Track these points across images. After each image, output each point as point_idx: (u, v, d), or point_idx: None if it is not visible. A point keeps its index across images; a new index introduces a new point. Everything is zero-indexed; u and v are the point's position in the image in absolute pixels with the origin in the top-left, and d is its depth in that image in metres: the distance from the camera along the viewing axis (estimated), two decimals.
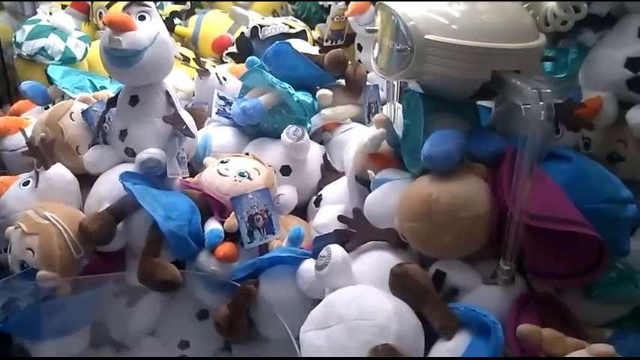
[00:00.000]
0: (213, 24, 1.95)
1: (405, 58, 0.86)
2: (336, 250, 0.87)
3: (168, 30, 1.90)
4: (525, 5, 0.97)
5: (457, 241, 0.83)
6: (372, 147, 1.00)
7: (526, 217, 0.77)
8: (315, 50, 1.57)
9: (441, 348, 0.78)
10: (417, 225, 0.84)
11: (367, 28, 1.10)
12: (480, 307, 0.79)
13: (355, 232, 0.94)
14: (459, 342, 0.77)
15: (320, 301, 0.85)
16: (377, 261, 0.90)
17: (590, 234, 0.77)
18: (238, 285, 0.98)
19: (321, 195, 1.19)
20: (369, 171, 1.02)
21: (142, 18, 1.09)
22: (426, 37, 0.83)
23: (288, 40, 1.40)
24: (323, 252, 0.88)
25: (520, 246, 0.79)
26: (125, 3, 1.11)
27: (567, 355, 0.69)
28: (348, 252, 0.89)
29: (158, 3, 2.12)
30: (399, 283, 0.82)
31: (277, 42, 1.31)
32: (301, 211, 1.22)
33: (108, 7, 1.82)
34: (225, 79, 1.44)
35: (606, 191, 0.84)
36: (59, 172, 1.10)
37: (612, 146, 1.01)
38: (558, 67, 1.08)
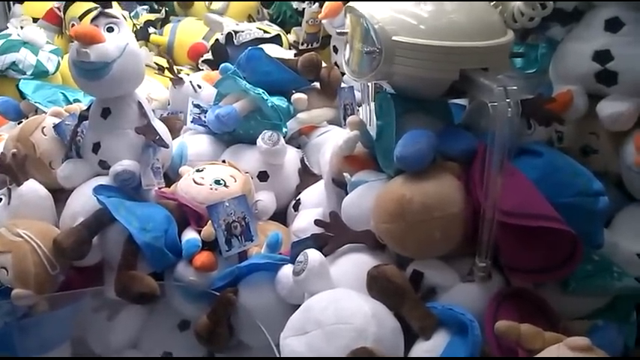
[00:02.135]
0: (189, 31, 1.94)
1: (374, 60, 0.86)
2: (313, 255, 0.86)
3: (144, 39, 1.91)
4: (492, 4, 0.98)
5: (432, 240, 0.83)
6: (347, 149, 1.00)
7: (499, 214, 0.78)
8: (290, 54, 1.57)
9: (419, 348, 0.78)
10: (391, 226, 0.84)
11: (337, 30, 1.10)
12: (457, 305, 0.79)
13: (332, 235, 0.94)
14: (438, 341, 0.77)
15: (300, 306, 0.84)
16: (355, 263, 0.90)
17: (562, 228, 0.77)
18: (218, 294, 0.97)
19: (299, 199, 1.19)
20: (344, 173, 1.02)
21: (110, 30, 1.08)
22: (394, 38, 0.83)
23: (260, 46, 1.39)
24: (300, 257, 0.87)
25: (495, 242, 0.80)
26: (93, 15, 1.10)
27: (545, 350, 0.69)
28: (325, 256, 0.89)
29: (133, 12, 2.12)
30: (377, 285, 0.82)
31: (250, 47, 1.31)
32: (281, 217, 1.21)
33: (81, 18, 1.81)
34: (199, 86, 1.43)
35: (578, 185, 0.85)
36: (32, 187, 1.08)
37: (585, 139, 1.02)
38: (529, 63, 1.09)
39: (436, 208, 0.82)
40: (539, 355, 0.68)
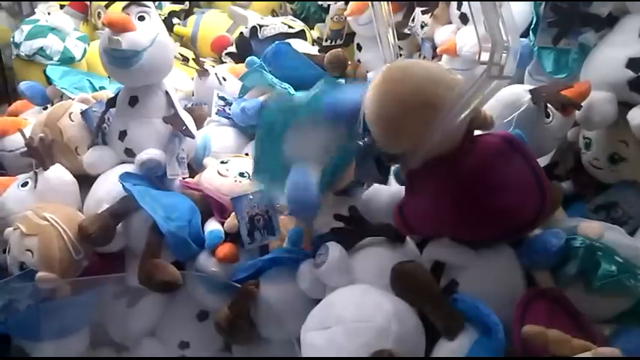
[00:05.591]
0: (212, 24, 1.94)
1: None
2: (333, 247, 0.86)
3: (167, 30, 1.92)
4: None
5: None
6: None
7: None
8: (314, 50, 1.57)
9: (444, 349, 0.77)
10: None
11: None
12: (482, 303, 0.77)
13: (352, 229, 0.94)
14: (463, 342, 0.76)
15: (321, 301, 0.84)
16: (375, 256, 0.90)
17: None
18: (239, 286, 0.97)
19: None
20: None
21: (141, 18, 1.09)
22: None
23: (287, 40, 1.39)
24: (321, 249, 0.87)
25: None
26: (124, 3, 1.11)
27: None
28: (346, 249, 0.88)
29: (157, 3, 2.12)
30: (400, 283, 0.81)
31: (277, 42, 1.31)
32: None
33: (107, 7, 1.82)
34: (224, 79, 1.43)
35: None
36: (58, 173, 1.09)
37: (614, 146, 1.01)
38: (559, 68, 1.08)
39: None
40: None
